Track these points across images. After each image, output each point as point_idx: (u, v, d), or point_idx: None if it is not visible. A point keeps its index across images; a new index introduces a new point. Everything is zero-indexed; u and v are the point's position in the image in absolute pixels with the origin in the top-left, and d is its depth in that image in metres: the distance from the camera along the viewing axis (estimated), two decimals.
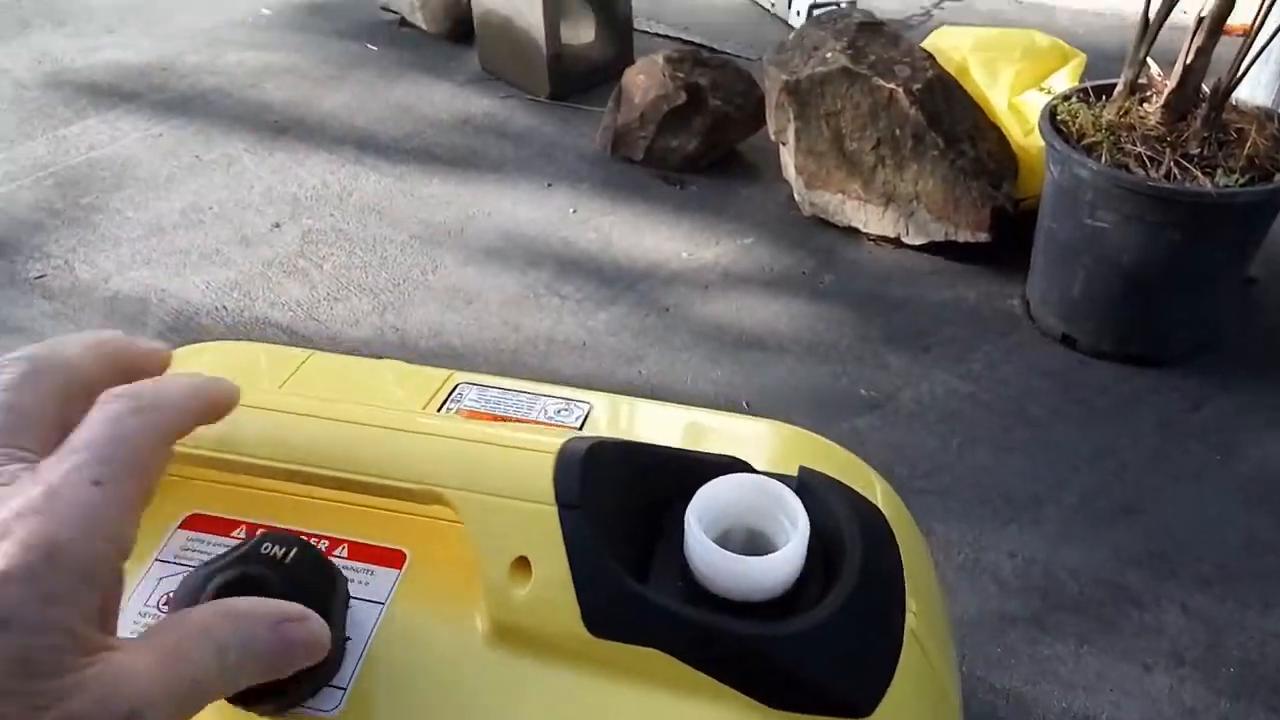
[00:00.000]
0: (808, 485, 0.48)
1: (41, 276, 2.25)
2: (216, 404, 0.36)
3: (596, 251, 2.36)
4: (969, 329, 2.10)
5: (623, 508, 0.46)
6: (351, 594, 0.47)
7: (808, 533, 0.42)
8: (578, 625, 0.42)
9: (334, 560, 0.49)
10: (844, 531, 0.46)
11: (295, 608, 0.34)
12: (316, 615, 0.34)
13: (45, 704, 0.24)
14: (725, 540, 0.42)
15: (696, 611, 0.42)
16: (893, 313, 2.15)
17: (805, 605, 0.43)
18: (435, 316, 2.14)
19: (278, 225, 2.43)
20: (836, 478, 0.51)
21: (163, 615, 0.45)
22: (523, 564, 0.44)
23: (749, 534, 0.45)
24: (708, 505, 0.43)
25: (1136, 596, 1.57)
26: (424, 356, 2.01)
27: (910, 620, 0.46)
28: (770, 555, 0.41)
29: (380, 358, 2.01)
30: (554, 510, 0.44)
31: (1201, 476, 1.78)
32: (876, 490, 0.58)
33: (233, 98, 3.03)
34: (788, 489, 0.44)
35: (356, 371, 0.65)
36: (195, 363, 0.68)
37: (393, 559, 0.49)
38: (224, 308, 2.15)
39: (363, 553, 0.49)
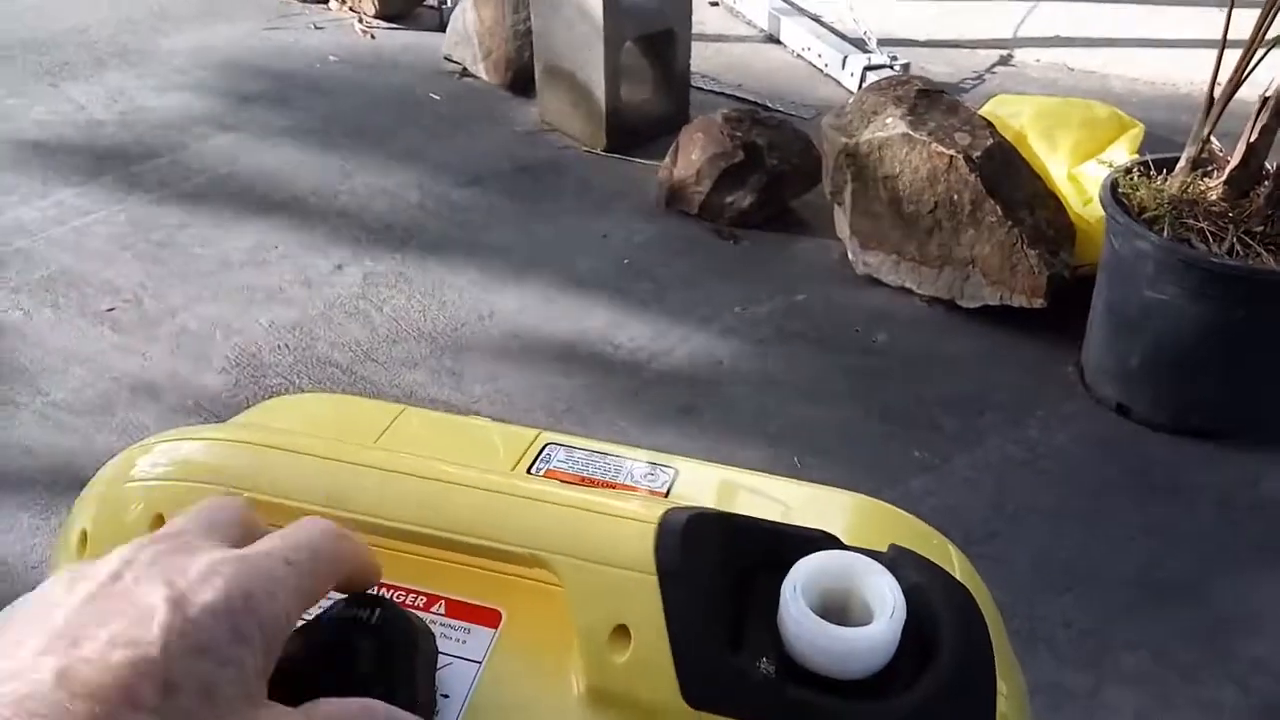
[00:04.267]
0: (899, 563, 0.49)
1: (111, 309, 2.32)
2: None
3: (650, 302, 2.38)
4: (1023, 394, 2.09)
5: (718, 579, 0.47)
6: (449, 652, 0.48)
7: (904, 610, 0.43)
8: (675, 696, 0.42)
9: (431, 616, 0.50)
10: (936, 612, 0.46)
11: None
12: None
13: None
14: (820, 616, 0.43)
15: (795, 688, 0.42)
16: (946, 375, 2.15)
17: (900, 686, 0.43)
18: (491, 361, 2.17)
19: (340, 267, 2.49)
20: (915, 550, 0.51)
21: None
22: (622, 631, 0.45)
23: (843, 611, 0.45)
24: (805, 579, 0.44)
25: (1193, 674, 1.54)
26: (479, 401, 2.03)
27: (1001, 704, 0.46)
28: (868, 627, 0.42)
29: (435, 400, 2.02)
30: (654, 580, 0.45)
31: (1260, 554, 1.74)
32: (955, 566, 0.59)
33: (299, 141, 3.11)
34: (882, 566, 0.45)
35: (447, 428, 0.66)
36: (288, 413, 0.70)
37: (489, 618, 0.50)
38: (286, 346, 2.20)
39: (459, 611, 0.50)
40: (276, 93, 3.44)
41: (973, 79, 3.66)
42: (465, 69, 3.57)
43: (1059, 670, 1.53)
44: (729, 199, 2.65)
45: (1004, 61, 3.80)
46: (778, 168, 2.63)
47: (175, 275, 2.45)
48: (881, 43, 3.67)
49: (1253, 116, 1.81)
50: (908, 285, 2.36)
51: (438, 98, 3.42)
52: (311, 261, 2.51)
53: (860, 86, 3.19)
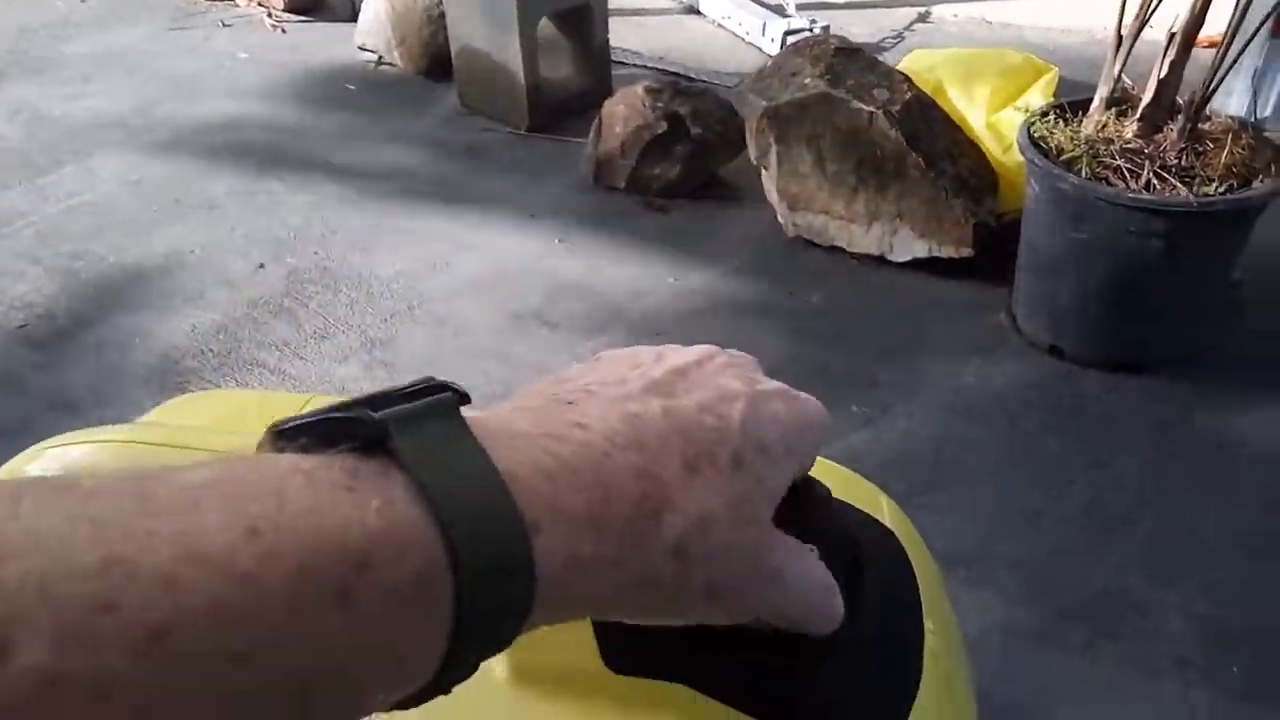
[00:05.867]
0: None
1: (23, 326, 2.23)
2: None
3: (584, 280, 2.36)
4: (957, 343, 2.11)
5: None
6: None
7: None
8: (596, 661, 0.41)
9: None
10: (860, 555, 0.46)
11: None
12: None
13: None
14: None
15: (716, 642, 0.41)
16: (881, 329, 2.16)
17: None
18: (424, 349, 2.14)
19: (262, 266, 2.43)
20: (846, 500, 0.51)
21: None
22: None
23: None
24: None
25: (1139, 604, 1.57)
26: None
27: (929, 640, 0.46)
28: None
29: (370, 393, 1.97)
30: None
31: (1197, 480, 1.78)
32: (884, 509, 0.58)
33: (212, 141, 3.03)
34: None
35: None
36: (184, 413, 0.67)
37: None
38: (210, 350, 2.14)
39: None
40: (187, 93, 3.34)
41: (892, 38, 3.68)
42: (381, 58, 3.50)
43: (1007, 612, 1.56)
44: (656, 170, 2.63)
45: (922, 19, 3.83)
46: (702, 136, 2.62)
47: (89, 286, 2.37)
48: (800, 7, 3.67)
49: (1161, 53, 1.83)
50: (838, 243, 2.37)
51: (354, 88, 3.35)
52: (232, 263, 2.44)
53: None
